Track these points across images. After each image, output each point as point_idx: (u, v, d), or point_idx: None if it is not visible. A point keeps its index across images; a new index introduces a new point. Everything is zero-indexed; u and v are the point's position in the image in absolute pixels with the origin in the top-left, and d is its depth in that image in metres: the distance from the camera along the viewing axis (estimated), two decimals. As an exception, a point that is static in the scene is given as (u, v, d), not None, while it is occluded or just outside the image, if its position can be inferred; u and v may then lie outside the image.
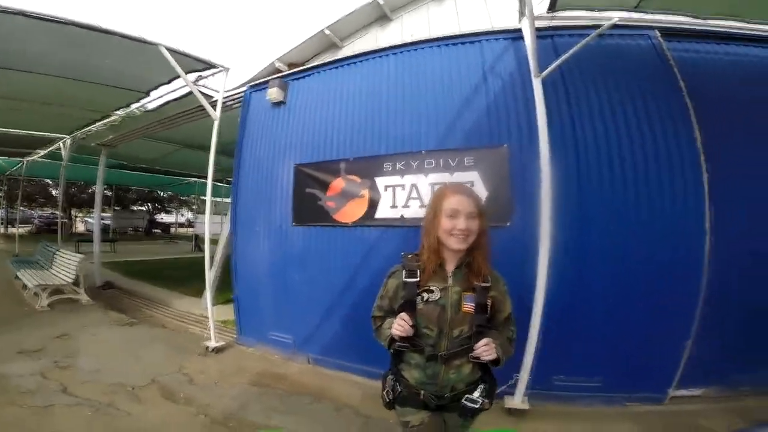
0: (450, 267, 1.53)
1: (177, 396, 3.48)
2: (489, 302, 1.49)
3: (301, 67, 4.87)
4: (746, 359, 3.29)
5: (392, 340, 1.49)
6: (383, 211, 4.03)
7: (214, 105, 4.88)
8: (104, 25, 3.91)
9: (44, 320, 5.66)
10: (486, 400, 1.48)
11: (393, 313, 1.56)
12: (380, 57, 4.43)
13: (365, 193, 4.13)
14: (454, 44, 4.10)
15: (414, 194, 3.90)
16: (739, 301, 3.25)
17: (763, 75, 3.58)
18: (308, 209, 4.46)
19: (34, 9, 3.57)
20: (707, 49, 3.73)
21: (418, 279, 1.49)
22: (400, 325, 1.41)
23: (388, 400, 1.58)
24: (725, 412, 3.15)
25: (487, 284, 1.49)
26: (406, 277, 1.50)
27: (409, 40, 4.32)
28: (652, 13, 3.32)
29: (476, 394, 1.47)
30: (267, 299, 4.73)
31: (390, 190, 4.02)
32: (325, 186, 4.37)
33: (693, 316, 3.25)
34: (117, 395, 3.41)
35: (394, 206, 3.99)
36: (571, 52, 3.21)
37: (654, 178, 3.37)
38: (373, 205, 4.09)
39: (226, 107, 5.35)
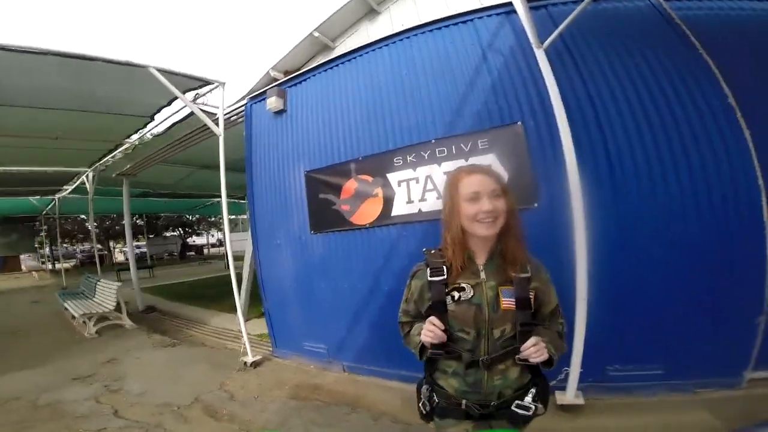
0: (480, 259, 1.35)
1: (220, 413, 3.53)
2: (531, 295, 1.31)
3: (297, 73, 4.77)
4: None
5: (423, 347, 1.36)
6: (400, 208, 3.90)
7: (217, 122, 4.87)
8: (88, 52, 3.91)
9: (93, 346, 5.95)
10: (539, 405, 1.33)
11: (421, 316, 1.42)
12: (373, 51, 4.27)
13: (379, 191, 4.01)
14: (446, 26, 3.90)
15: (429, 186, 3.76)
16: None
17: None
18: (324, 215, 4.39)
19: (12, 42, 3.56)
20: (711, 5, 3.41)
21: (445, 277, 1.32)
22: (430, 331, 1.26)
23: (424, 412, 1.45)
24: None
25: (527, 274, 1.31)
26: (431, 276, 1.34)
27: (399, 29, 4.13)
28: None
29: (528, 399, 1.32)
30: (296, 310, 4.72)
31: (404, 185, 3.89)
32: (337, 189, 4.28)
33: (762, 288, 2.90)
34: (164, 416, 3.50)
35: (410, 201, 3.85)
36: (569, 19, 2.96)
37: (689, 139, 3.06)
38: (388, 202, 3.96)
39: (230, 123, 5.34)
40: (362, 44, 4.33)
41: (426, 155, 3.79)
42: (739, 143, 2.98)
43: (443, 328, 1.26)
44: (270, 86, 4.87)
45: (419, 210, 3.79)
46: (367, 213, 4.08)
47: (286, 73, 4.83)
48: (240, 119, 5.47)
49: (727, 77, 3.06)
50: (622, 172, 3.15)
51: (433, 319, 1.28)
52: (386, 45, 4.19)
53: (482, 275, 1.33)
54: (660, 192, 3.07)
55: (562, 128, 2.99)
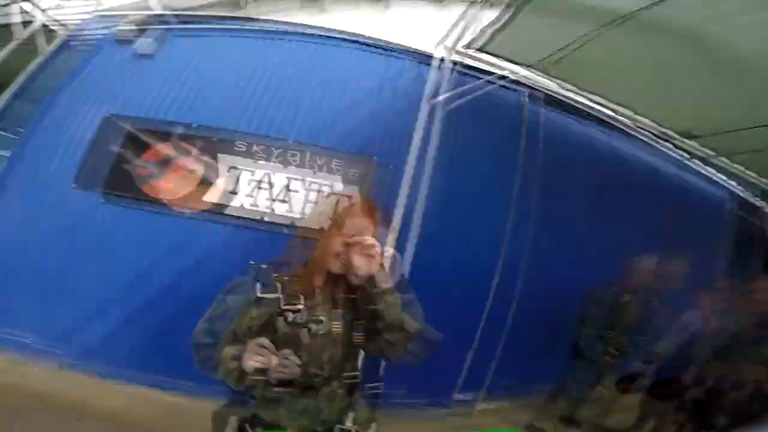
0: (318, 282, 1.32)
1: None
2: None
3: (180, 14, 4.06)
4: (526, 365, 3.84)
5: (242, 373, 1.16)
6: (218, 196, 3.28)
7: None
8: None
9: None
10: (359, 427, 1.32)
11: (238, 341, 1.24)
12: (285, 34, 3.95)
13: (199, 169, 3.31)
14: (368, 46, 3.90)
15: (265, 185, 3.33)
16: (521, 311, 3.70)
17: (609, 163, 4.31)
18: (106, 169, 3.36)
19: None
20: (567, 122, 4.17)
21: (281, 296, 1.20)
22: (259, 355, 1.10)
23: None
24: (506, 413, 3.76)
25: (353, 295, 1.30)
26: (262, 293, 1.21)
27: (316, 25, 4.00)
28: (542, 76, 3.53)
29: (348, 422, 1.30)
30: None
31: (235, 173, 3.32)
32: (142, 147, 3.38)
33: (476, 328, 3.56)
34: None
35: (233, 192, 3.29)
36: (464, 88, 3.33)
37: (480, 213, 3.65)
38: (205, 185, 3.28)
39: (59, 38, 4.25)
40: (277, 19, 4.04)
41: (276, 153, 3.39)
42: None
43: (298, 358, 1.15)
44: (139, 20, 4.02)
45: (241, 205, 3.29)
46: (173, 188, 3.29)
47: (167, 9, 4.04)
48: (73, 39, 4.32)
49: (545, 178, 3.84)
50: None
51: (263, 340, 1.14)
52: (298, 39, 3.93)
53: (318, 298, 1.30)
54: (456, 241, 3.50)
55: (407, 177, 3.22)
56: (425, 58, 3.79)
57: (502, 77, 3.47)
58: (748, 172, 4.36)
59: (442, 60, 3.51)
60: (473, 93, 3.41)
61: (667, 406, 3.48)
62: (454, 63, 3.71)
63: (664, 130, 3.78)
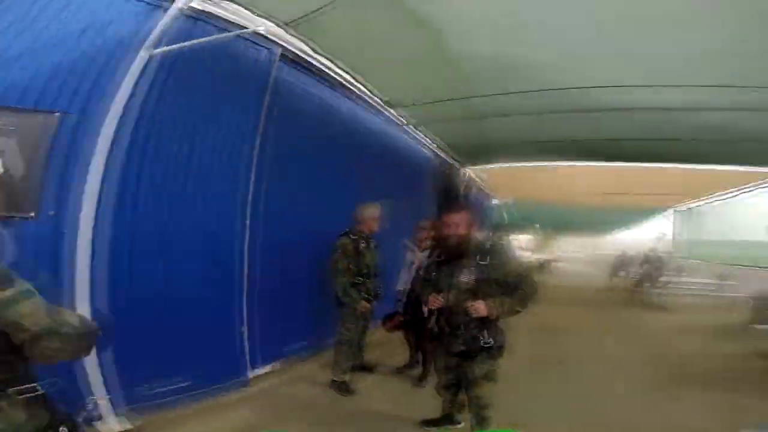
0: None
1: None
2: None
3: None
4: (293, 331, 4.21)
5: None
6: None
7: None
8: None
9: None
10: None
11: None
12: None
13: None
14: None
15: None
16: (275, 287, 3.94)
17: (339, 123, 4.73)
18: None
19: None
20: (303, 82, 4.25)
21: None
22: None
23: None
24: (297, 378, 3.92)
25: None
26: None
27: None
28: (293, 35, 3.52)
29: None
30: None
31: None
32: None
33: (242, 304, 3.61)
34: None
35: None
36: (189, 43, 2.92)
37: (217, 177, 3.45)
38: None
39: None
40: None
41: None
42: (245, 187, 3.66)
43: None
44: None
45: None
46: None
47: None
48: None
49: (264, 139, 3.80)
50: (147, 197, 3.06)
51: None
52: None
53: None
54: (176, 219, 3.21)
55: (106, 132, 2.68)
56: (156, 2, 3.08)
57: (243, 28, 3.24)
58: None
59: (173, 3, 2.96)
60: (200, 43, 3.02)
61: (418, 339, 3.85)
62: (187, 9, 3.17)
63: (374, 97, 4.36)
